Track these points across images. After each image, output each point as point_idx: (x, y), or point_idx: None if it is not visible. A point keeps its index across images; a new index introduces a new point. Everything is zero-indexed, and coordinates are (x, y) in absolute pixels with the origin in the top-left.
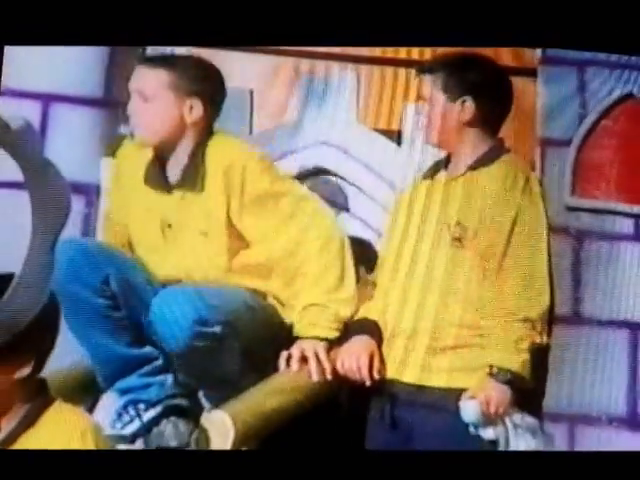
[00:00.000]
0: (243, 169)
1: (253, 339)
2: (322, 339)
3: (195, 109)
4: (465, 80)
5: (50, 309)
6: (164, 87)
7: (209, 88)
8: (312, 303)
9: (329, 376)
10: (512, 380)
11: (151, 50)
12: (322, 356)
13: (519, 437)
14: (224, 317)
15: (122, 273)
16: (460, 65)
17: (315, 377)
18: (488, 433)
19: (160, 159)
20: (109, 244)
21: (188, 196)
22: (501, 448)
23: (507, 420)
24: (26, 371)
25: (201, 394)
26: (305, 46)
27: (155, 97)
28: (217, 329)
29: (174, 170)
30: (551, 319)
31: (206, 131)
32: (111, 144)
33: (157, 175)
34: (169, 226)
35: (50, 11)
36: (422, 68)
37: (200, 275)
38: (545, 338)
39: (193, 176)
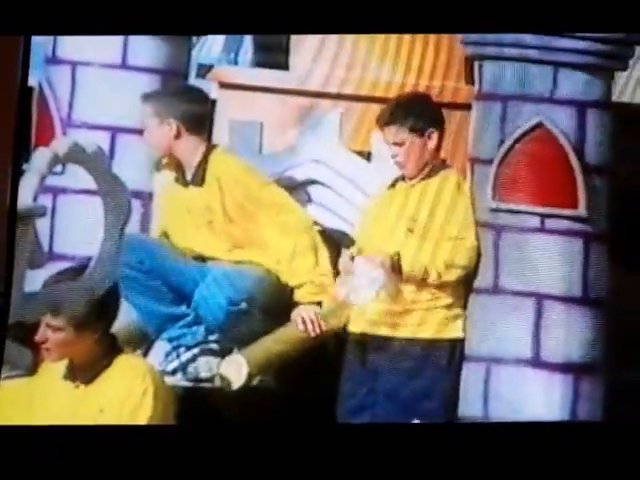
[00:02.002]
0: (235, 176)
1: (269, 305)
2: (315, 303)
3: (174, 127)
4: (425, 116)
5: (113, 292)
6: (150, 117)
7: (184, 109)
8: (307, 280)
9: (318, 331)
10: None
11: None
12: (315, 319)
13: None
14: (248, 295)
15: (152, 256)
16: (413, 106)
17: (312, 334)
18: None
19: (178, 165)
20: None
21: (195, 191)
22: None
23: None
24: (98, 334)
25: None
26: (298, 33)
27: (146, 126)
28: (243, 305)
29: (188, 172)
30: (472, 287)
31: (198, 140)
32: None
33: (178, 175)
34: (189, 211)
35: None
36: (382, 122)
37: (208, 253)
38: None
39: (198, 177)
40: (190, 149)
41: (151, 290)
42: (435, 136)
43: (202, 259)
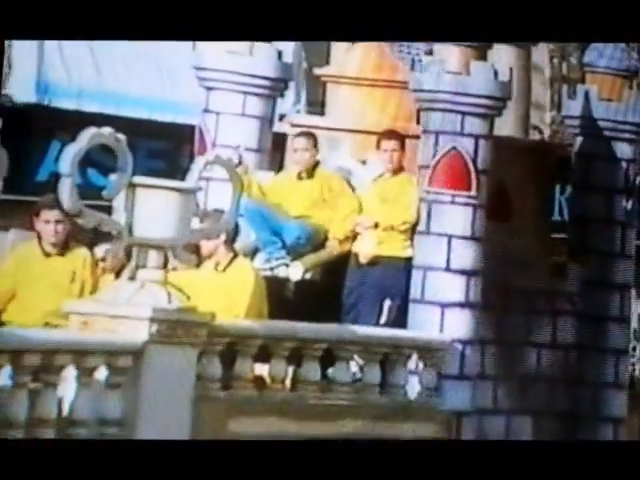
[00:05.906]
0: (329, 179)
1: (314, 244)
2: (337, 239)
3: (317, 154)
4: (395, 141)
5: (235, 226)
6: (303, 146)
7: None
8: (339, 229)
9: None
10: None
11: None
12: (337, 247)
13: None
14: (306, 237)
15: (267, 211)
16: (390, 135)
17: (335, 253)
18: None
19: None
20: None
21: (308, 182)
22: None
23: None
24: (228, 243)
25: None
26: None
27: (299, 151)
28: (302, 241)
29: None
30: (415, 231)
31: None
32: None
33: (303, 175)
34: (301, 192)
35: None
36: (377, 141)
37: (300, 212)
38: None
39: (310, 175)
40: (312, 163)
41: (263, 227)
42: (397, 154)
43: (295, 217)
